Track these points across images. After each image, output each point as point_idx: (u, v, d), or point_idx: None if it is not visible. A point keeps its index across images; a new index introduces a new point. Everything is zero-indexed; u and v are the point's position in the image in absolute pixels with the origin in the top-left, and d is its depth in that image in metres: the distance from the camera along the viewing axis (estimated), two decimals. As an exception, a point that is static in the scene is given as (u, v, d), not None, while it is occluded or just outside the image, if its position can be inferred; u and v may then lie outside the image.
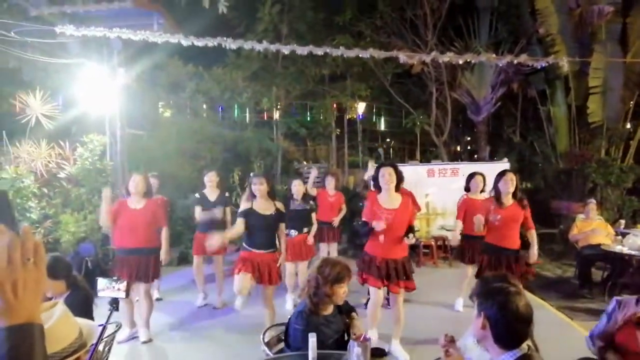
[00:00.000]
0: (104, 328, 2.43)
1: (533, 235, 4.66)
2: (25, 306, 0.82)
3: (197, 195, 6.06)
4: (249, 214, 4.29)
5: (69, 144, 6.95)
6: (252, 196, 4.36)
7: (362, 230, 4.29)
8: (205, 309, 5.92)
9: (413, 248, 8.67)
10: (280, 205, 4.51)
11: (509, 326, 1.83)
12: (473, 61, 8.23)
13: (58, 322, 1.60)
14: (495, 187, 4.62)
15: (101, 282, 2.64)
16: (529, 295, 4.52)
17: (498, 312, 1.83)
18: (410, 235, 4.23)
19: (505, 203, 4.54)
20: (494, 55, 7.34)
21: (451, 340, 2.19)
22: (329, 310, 2.87)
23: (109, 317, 2.57)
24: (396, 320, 4.41)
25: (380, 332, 4.54)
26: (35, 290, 0.84)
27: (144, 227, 4.70)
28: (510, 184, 4.50)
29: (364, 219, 4.32)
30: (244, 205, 4.38)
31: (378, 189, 4.33)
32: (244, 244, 4.44)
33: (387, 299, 5.30)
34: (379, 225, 4.10)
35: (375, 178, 4.34)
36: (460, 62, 6.74)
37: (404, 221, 4.26)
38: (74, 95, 6.97)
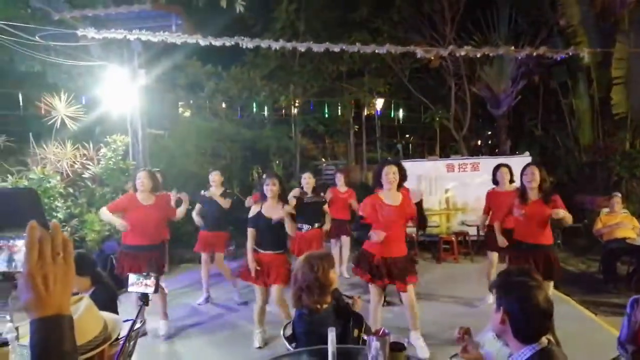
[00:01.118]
0: (134, 322, 2.47)
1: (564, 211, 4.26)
2: (55, 299, 0.86)
3: (204, 192, 5.93)
4: (258, 219, 4.31)
5: (92, 145, 7.12)
6: (263, 197, 4.37)
7: (360, 234, 4.09)
8: (220, 305, 5.94)
9: (433, 244, 8.68)
10: (288, 208, 4.40)
11: (528, 320, 1.82)
12: (492, 54, 8.12)
13: (83, 316, 1.63)
14: (521, 181, 4.50)
15: (131, 278, 2.71)
16: (552, 290, 4.47)
17: (518, 306, 1.82)
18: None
19: (531, 198, 4.36)
20: (512, 48, 7.24)
21: (466, 332, 2.17)
22: (328, 300, 2.88)
23: (138, 312, 2.61)
24: (411, 314, 4.31)
25: (397, 326, 4.50)
26: (64, 284, 0.88)
27: (157, 223, 4.76)
28: (530, 177, 4.32)
29: (361, 213, 4.25)
30: (253, 210, 4.40)
31: (379, 186, 4.21)
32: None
33: (386, 301, 5.18)
34: (378, 235, 3.95)
35: (378, 174, 4.21)
36: (478, 55, 6.67)
37: (403, 219, 4.23)
38: (97, 96, 7.13)
